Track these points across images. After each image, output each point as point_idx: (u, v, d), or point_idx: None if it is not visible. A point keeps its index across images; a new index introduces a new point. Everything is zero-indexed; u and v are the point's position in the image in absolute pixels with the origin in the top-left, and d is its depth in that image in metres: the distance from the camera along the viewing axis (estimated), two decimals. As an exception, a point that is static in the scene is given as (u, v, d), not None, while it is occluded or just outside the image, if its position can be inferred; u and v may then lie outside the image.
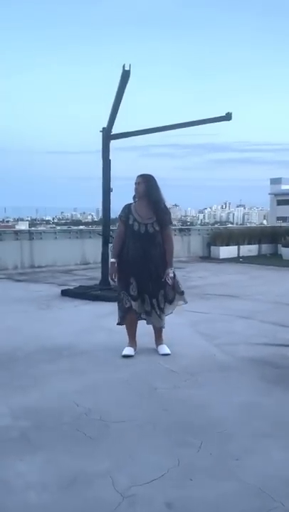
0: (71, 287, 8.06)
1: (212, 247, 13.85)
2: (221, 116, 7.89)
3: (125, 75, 6.22)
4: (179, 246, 13.32)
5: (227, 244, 13.97)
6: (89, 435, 2.81)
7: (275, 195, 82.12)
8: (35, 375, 3.83)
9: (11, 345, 4.67)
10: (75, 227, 16.34)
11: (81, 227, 25.30)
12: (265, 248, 15.32)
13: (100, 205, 8.17)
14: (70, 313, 6.37)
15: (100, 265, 8.20)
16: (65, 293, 7.66)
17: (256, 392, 3.48)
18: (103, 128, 7.66)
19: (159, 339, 4.48)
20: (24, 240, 11.02)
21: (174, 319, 4.72)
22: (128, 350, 4.35)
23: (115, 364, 4.10)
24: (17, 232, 11.17)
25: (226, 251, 13.75)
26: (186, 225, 27.85)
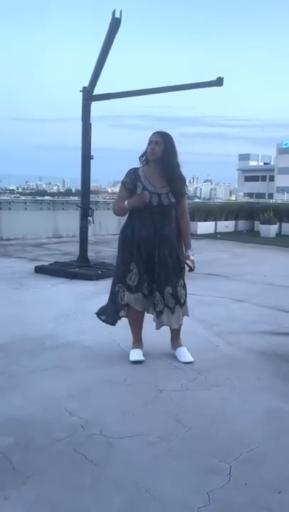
0: (45, 263, 7.39)
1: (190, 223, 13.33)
2: (211, 81, 7.24)
3: (115, 24, 5.45)
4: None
5: (205, 220, 13.50)
6: (90, 458, 2.26)
7: (243, 171, 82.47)
8: (17, 373, 3.23)
9: (-17, 334, 4.02)
10: (48, 198, 15.46)
11: (47, 197, 24.25)
12: (242, 224, 14.99)
13: (65, 176, 7.46)
14: (47, 293, 5.74)
15: (74, 239, 7.57)
16: (39, 270, 6.99)
17: (278, 395, 3.00)
18: (84, 87, 6.89)
19: (176, 340, 3.61)
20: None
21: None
22: (136, 354, 3.48)
23: (108, 358, 3.54)
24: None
25: (204, 226, 13.29)
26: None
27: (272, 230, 13.35)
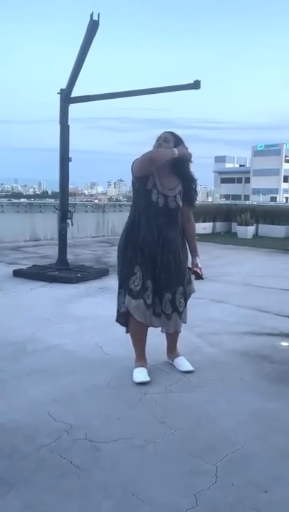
0: (23, 267, 7.31)
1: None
2: (188, 84, 7.30)
3: (93, 26, 5.43)
4: (119, 222, 12.64)
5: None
6: (76, 463, 2.24)
7: (219, 173, 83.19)
8: (-3, 379, 3.18)
9: None
10: (25, 200, 15.28)
11: (22, 200, 23.98)
12: (220, 226, 15.11)
13: (41, 178, 7.37)
14: (26, 297, 5.67)
15: (52, 242, 7.51)
16: (17, 273, 6.90)
17: (261, 395, 3.02)
18: (61, 89, 6.84)
19: (173, 349, 3.45)
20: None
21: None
22: (141, 375, 3.16)
23: (91, 362, 3.51)
24: None
25: (182, 228, 13.32)
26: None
27: (249, 231, 13.51)
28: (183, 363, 3.38)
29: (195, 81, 7.27)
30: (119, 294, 3.28)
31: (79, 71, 6.16)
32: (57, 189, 7.37)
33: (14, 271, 6.97)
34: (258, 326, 4.60)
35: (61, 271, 6.85)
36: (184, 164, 3.23)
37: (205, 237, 13.11)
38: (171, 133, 3.26)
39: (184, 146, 3.22)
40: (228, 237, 13.47)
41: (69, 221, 7.09)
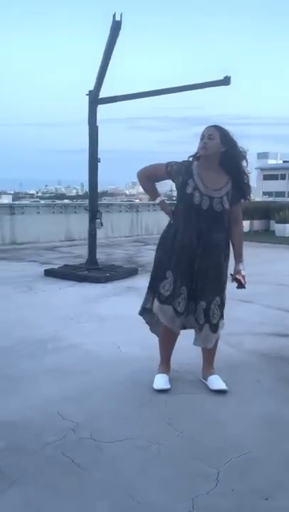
0: (55, 266, 7.44)
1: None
2: (218, 80, 7.22)
3: (116, 27, 5.46)
4: (153, 221, 12.59)
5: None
6: (77, 462, 2.25)
7: (262, 169, 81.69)
8: (16, 376, 3.24)
9: (-13, 337, 4.06)
10: (59, 202, 15.58)
11: (66, 201, 24.39)
12: (257, 224, 14.84)
13: (84, 179, 7.41)
14: (54, 296, 5.77)
15: (86, 242, 7.58)
16: (48, 273, 7.03)
17: (276, 399, 2.94)
18: (90, 91, 6.92)
19: (208, 366, 3.16)
20: (5, 215, 10.30)
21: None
22: (161, 382, 3.03)
23: (108, 361, 3.53)
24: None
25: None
26: (173, 200, 26.05)
27: (288, 229, 13.20)
28: (215, 381, 3.06)
29: (225, 77, 7.18)
30: (147, 291, 3.18)
31: (105, 72, 6.21)
32: (101, 189, 7.45)
33: (45, 270, 7.11)
34: (283, 327, 4.49)
35: (90, 270, 6.92)
36: (234, 159, 2.96)
37: None
38: (217, 127, 2.96)
39: (232, 139, 2.96)
40: (265, 236, 13.23)
41: (98, 221, 7.15)
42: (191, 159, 3.03)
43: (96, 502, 1.98)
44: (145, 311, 3.19)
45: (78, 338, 4.03)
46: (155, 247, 3.20)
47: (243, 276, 3.07)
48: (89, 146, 7.07)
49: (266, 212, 15.01)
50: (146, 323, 3.24)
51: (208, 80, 7.38)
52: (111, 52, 5.86)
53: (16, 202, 18.97)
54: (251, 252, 9.95)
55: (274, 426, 2.61)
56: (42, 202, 13.87)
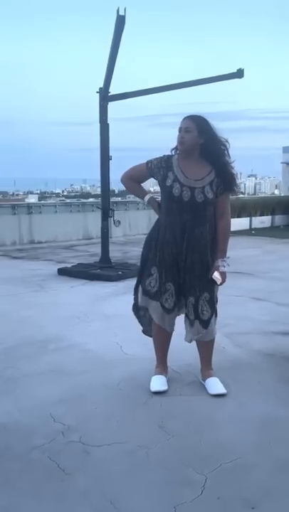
0: (69, 265, 7.43)
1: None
2: (231, 73, 7.07)
3: (120, 22, 5.39)
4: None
5: (238, 216, 13.20)
6: (63, 466, 2.20)
7: (288, 164, 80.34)
8: (12, 377, 3.22)
9: (-10, 337, 4.06)
10: (76, 200, 15.63)
11: (91, 199, 24.46)
12: (279, 219, 14.57)
13: (110, 177, 7.27)
14: (64, 295, 5.75)
15: (102, 240, 7.55)
16: (62, 272, 7.03)
17: (276, 401, 2.83)
18: (100, 88, 6.86)
19: (206, 367, 3.04)
20: (22, 215, 10.36)
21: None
22: (158, 383, 2.95)
23: (107, 362, 3.47)
24: (14, 206, 10.50)
25: (237, 223, 12.95)
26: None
27: (310, 224, 12.90)
28: (213, 385, 2.93)
29: (238, 69, 7.03)
30: (134, 288, 3.13)
31: (113, 68, 6.14)
32: (113, 186, 7.41)
33: (59, 269, 7.11)
34: (293, 326, 4.34)
35: (103, 269, 6.88)
36: (214, 150, 2.83)
37: (261, 232, 12.74)
38: (193, 118, 2.82)
39: (209, 129, 2.81)
40: (287, 231, 12.94)
41: (114, 219, 7.10)
42: (173, 152, 2.92)
43: (76, 508, 1.92)
44: (136, 308, 3.13)
45: (81, 338, 3.99)
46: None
47: (222, 274, 2.90)
48: (100, 144, 7.02)
49: (288, 206, 14.72)
50: (139, 323, 3.17)
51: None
52: (117, 48, 5.79)
53: (32, 201, 19.05)
54: (271, 248, 9.86)
55: (269, 429, 2.50)
56: (58, 200, 13.92)
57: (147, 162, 2.97)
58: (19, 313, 4.86)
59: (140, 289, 3.04)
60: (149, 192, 3.20)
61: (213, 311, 2.96)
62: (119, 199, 15.07)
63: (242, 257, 8.46)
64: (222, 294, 5.39)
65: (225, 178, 2.85)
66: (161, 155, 2.94)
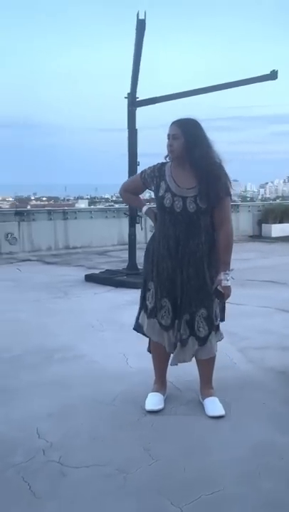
0: (98, 271, 7.39)
1: (263, 225, 12.65)
2: (264, 75, 6.85)
3: (140, 26, 5.30)
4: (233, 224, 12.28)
5: (280, 222, 12.73)
6: (34, 489, 2.10)
7: None
8: (9, 388, 3.16)
9: (1, 345, 4.04)
10: (112, 206, 15.66)
11: (117, 205, 24.56)
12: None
13: None
14: (86, 302, 5.69)
15: (138, 246, 7.45)
16: (88, 278, 6.99)
17: (277, 425, 2.60)
18: (128, 94, 6.80)
19: (205, 386, 2.85)
20: (58, 220, 10.46)
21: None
22: (152, 401, 2.79)
23: (111, 375, 3.34)
24: (50, 212, 10.62)
25: (279, 229, 12.52)
26: (234, 202, 24.05)
27: None
28: (212, 406, 2.74)
29: (271, 71, 6.81)
30: (139, 303, 2.94)
31: (137, 73, 6.05)
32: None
33: (86, 275, 7.08)
34: (315, 341, 4.06)
35: (129, 275, 6.78)
36: (200, 155, 2.62)
37: (285, 239, 12.14)
38: (179, 124, 2.67)
39: (198, 135, 2.65)
40: None
41: (139, 225, 6.99)
42: (167, 159, 2.77)
43: (34, 538, 1.81)
44: (138, 326, 2.96)
45: (89, 348, 3.89)
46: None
47: (226, 288, 2.69)
48: (128, 150, 6.95)
49: None
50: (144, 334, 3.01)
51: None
52: (140, 52, 5.70)
53: (82, 206, 19.36)
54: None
55: (261, 458, 2.29)
56: (92, 207, 14.00)
57: (141, 172, 2.88)
58: (36, 320, 4.84)
59: (141, 305, 2.90)
60: (148, 203, 3.06)
61: (212, 329, 2.76)
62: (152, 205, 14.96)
63: (278, 265, 8.14)
64: (249, 304, 5.25)
65: (211, 185, 2.63)
66: (156, 163, 2.80)
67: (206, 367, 2.87)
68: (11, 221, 10.08)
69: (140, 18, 5.28)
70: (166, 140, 2.70)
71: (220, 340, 2.92)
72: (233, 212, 13.60)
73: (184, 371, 3.16)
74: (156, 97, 6.93)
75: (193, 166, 2.66)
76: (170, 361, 2.86)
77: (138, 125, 6.99)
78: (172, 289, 2.71)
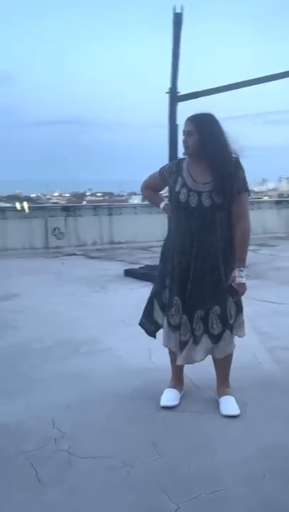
0: (137, 266, 7.45)
1: None
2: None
3: (177, 20, 5.25)
4: (275, 220, 12.03)
5: None
6: (40, 476, 2.17)
7: None
8: (34, 378, 3.27)
9: (33, 335, 4.17)
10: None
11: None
12: None
13: None
14: (121, 297, 5.76)
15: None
16: (127, 273, 7.07)
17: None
18: (170, 88, 6.77)
19: (222, 385, 2.84)
20: (103, 216, 10.62)
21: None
22: (168, 397, 2.80)
23: (132, 369, 3.38)
24: (96, 208, 10.80)
25: None
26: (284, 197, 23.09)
27: None
28: (226, 405, 2.71)
29: None
30: (152, 300, 2.99)
31: (177, 67, 6.01)
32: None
33: (125, 270, 7.15)
34: None
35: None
36: (213, 150, 2.57)
37: None
38: (193, 120, 2.64)
39: (213, 130, 2.60)
40: None
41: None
42: (184, 155, 2.75)
43: (33, 522, 1.87)
44: (144, 322, 3.05)
45: (115, 342, 3.95)
46: (252, 248, 2.94)
47: (241, 285, 2.63)
48: (169, 146, 6.92)
49: None
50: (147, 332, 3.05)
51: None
52: (178, 47, 5.66)
53: (135, 202, 19.47)
54: None
55: (269, 460, 2.25)
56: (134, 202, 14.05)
57: (160, 169, 2.87)
58: (69, 313, 4.95)
59: (155, 302, 2.92)
60: (166, 200, 3.04)
61: (226, 327, 2.71)
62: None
63: None
64: (286, 303, 5.10)
65: (226, 180, 2.59)
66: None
67: (222, 365, 2.84)
68: (58, 216, 10.35)
69: (177, 11, 5.24)
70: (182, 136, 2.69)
71: (241, 337, 2.87)
72: (283, 208, 13.28)
73: (204, 370, 3.12)
74: (197, 92, 6.85)
75: (208, 161, 2.63)
76: (177, 360, 2.81)
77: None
78: (183, 287, 2.69)
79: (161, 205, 2.95)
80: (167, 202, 2.93)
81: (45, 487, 2.09)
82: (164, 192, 3.09)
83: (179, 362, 2.80)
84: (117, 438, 2.47)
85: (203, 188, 2.63)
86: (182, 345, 2.74)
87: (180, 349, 2.75)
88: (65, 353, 3.75)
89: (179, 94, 6.76)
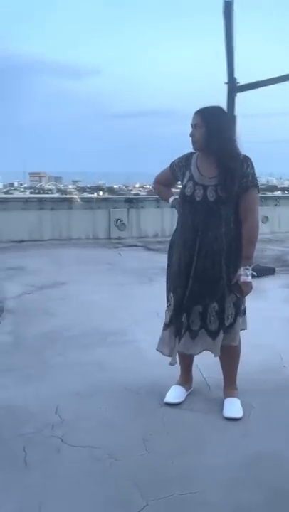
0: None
1: None
2: None
3: (228, 9, 5.07)
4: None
5: None
6: (28, 459, 2.25)
7: None
8: (53, 365, 3.38)
9: (66, 323, 4.30)
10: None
11: (276, 193, 23.74)
12: None
13: None
14: (163, 290, 5.72)
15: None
16: (179, 266, 7.02)
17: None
18: (228, 79, 6.59)
19: (228, 386, 2.77)
20: (165, 208, 10.61)
21: (256, 302, 3.49)
22: (172, 394, 2.77)
23: (148, 363, 3.37)
24: (158, 200, 10.80)
25: None
26: None
27: None
28: (229, 407, 2.64)
29: None
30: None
31: (232, 58, 5.83)
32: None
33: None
34: None
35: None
36: (218, 143, 2.51)
37: None
38: (200, 113, 2.58)
39: (220, 124, 2.56)
40: None
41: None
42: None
43: (5, 504, 1.95)
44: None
45: (141, 335, 3.95)
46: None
47: (246, 284, 2.53)
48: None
49: None
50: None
51: None
52: (231, 37, 5.48)
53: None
54: None
55: (257, 469, 2.15)
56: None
57: (171, 163, 2.82)
58: (108, 303, 5.03)
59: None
60: (175, 194, 2.98)
61: (221, 327, 2.62)
62: (271, 194, 14.32)
63: None
64: None
65: (231, 176, 2.50)
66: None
67: (228, 365, 2.77)
68: (121, 208, 10.51)
69: (226, 0, 5.07)
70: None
71: (242, 330, 2.75)
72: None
73: (219, 369, 3.06)
74: (258, 82, 6.61)
75: (215, 156, 2.56)
76: (177, 347, 2.72)
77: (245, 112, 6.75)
78: (184, 282, 2.63)
79: (170, 199, 2.90)
80: (176, 197, 2.87)
81: (28, 470, 2.17)
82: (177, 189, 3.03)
83: (178, 349, 2.74)
84: (111, 430, 2.50)
85: (209, 182, 2.57)
86: (178, 334, 2.69)
87: (177, 338, 2.70)
88: (90, 342, 3.83)
89: (238, 84, 6.58)
